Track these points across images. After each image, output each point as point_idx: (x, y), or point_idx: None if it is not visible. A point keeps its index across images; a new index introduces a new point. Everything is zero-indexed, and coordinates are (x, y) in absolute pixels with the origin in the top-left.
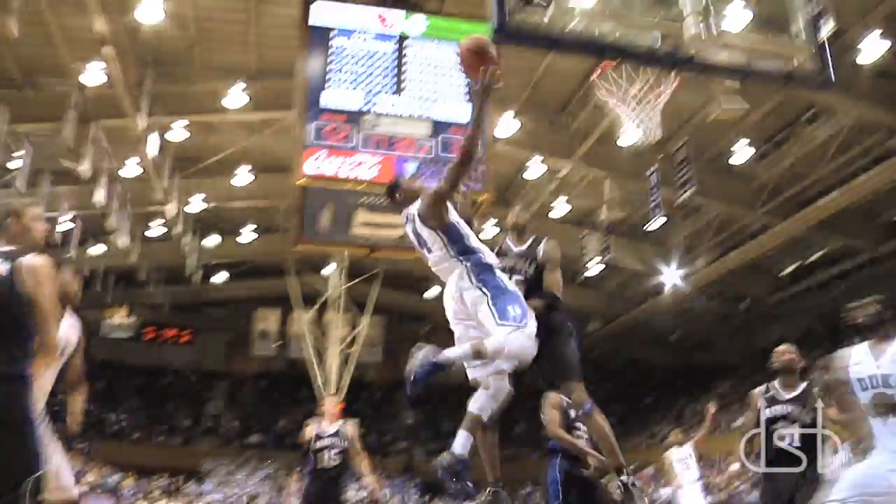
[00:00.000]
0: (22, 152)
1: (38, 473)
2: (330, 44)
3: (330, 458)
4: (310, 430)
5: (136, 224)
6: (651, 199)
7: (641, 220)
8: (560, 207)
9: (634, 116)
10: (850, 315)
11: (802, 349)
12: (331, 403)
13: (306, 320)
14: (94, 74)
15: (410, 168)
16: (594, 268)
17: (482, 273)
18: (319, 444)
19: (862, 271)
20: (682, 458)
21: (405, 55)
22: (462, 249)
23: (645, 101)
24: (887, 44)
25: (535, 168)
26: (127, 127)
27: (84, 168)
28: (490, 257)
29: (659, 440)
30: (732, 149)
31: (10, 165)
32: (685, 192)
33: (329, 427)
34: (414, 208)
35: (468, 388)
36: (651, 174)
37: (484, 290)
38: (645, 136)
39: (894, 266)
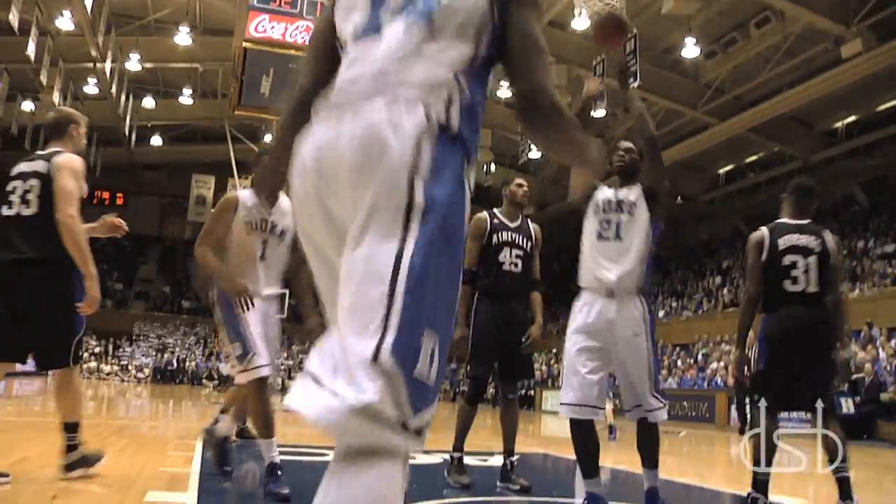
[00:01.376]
0: None
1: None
2: None
3: None
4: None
5: (69, 81)
6: None
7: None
8: (505, 91)
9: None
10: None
11: (728, 248)
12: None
13: (243, 188)
14: None
15: None
16: (533, 154)
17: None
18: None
19: (792, 177)
20: None
21: None
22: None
23: None
24: None
25: None
26: None
27: (13, 18)
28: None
29: None
30: (681, 45)
31: None
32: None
33: None
34: None
35: None
36: (597, 63)
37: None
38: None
39: (824, 174)
